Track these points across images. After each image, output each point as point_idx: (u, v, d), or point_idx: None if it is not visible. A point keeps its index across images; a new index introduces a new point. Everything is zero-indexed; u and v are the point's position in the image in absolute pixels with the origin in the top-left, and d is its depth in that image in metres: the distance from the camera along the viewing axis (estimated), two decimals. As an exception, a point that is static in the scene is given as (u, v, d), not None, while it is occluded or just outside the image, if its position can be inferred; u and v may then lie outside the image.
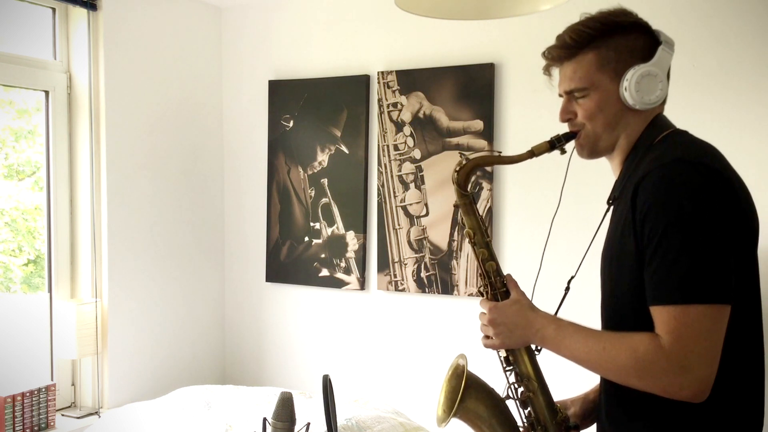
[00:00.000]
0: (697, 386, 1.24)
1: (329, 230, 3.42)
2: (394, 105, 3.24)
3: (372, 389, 3.33)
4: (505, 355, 1.56)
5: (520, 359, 1.53)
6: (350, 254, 3.37)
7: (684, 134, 1.44)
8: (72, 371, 3.17)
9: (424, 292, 3.19)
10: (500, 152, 1.92)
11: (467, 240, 1.57)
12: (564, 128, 1.51)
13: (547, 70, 1.51)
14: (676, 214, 1.25)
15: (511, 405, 1.57)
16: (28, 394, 2.81)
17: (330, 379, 1.79)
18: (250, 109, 3.64)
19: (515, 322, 1.45)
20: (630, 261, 1.32)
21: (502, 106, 3.04)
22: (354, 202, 3.35)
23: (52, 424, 2.90)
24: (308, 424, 1.92)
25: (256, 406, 2.64)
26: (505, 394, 1.56)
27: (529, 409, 1.54)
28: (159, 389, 3.30)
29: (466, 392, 1.53)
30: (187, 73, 3.52)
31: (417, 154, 3.20)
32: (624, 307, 1.37)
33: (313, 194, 3.46)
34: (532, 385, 1.52)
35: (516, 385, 1.55)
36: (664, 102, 1.46)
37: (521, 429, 1.56)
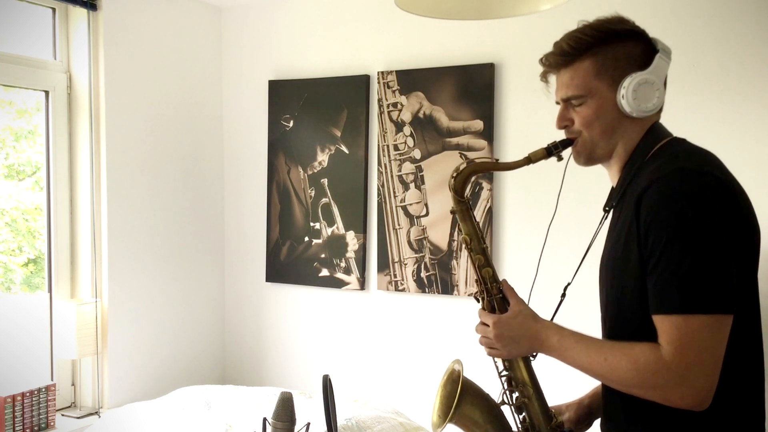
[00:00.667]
0: (697, 396, 1.25)
1: (329, 230, 3.42)
2: (394, 105, 3.23)
3: (372, 389, 3.33)
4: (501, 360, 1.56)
5: (515, 365, 1.53)
6: (350, 254, 3.37)
7: (683, 142, 1.43)
8: (72, 371, 3.17)
9: (424, 292, 3.19)
10: (497, 159, 1.91)
11: (464, 246, 1.57)
12: (562, 132, 1.51)
13: (544, 77, 1.50)
14: (680, 223, 1.25)
15: (506, 410, 1.57)
16: (28, 394, 2.82)
17: (330, 379, 1.79)
18: (250, 109, 3.64)
19: (521, 334, 1.45)
20: (634, 269, 1.32)
21: (502, 106, 3.03)
22: (354, 202, 3.35)
23: (52, 424, 2.91)
24: (308, 424, 1.92)
25: (256, 406, 2.65)
26: (501, 399, 1.57)
27: (524, 414, 1.54)
28: (159, 389, 3.31)
29: (462, 398, 1.53)
30: (187, 73, 3.52)
31: (417, 154, 3.20)
32: (628, 315, 1.37)
33: (313, 194, 3.46)
34: (527, 391, 1.52)
35: (511, 391, 1.55)
36: (660, 110, 1.46)
37: (516, 434, 1.56)
